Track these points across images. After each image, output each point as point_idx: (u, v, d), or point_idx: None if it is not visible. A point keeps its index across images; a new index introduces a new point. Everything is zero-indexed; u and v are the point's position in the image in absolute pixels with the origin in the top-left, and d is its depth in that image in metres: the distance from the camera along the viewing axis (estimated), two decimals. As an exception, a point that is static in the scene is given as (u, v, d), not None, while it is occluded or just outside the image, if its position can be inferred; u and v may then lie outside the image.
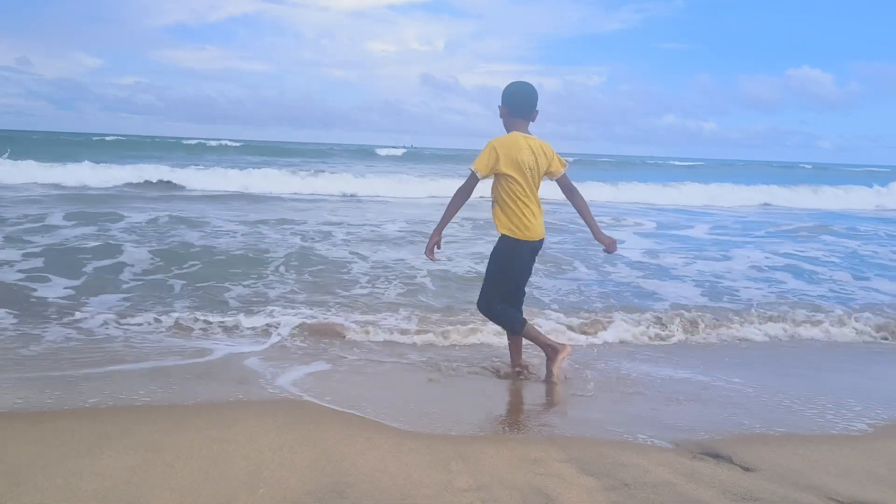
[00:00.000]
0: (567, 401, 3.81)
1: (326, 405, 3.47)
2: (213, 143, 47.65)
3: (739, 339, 5.45)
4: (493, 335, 4.99)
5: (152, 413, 3.25)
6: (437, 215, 4.03)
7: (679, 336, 5.40)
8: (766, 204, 21.62)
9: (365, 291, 6.38)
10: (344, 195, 17.88)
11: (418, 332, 5.10)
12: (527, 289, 4.22)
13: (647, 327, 5.50)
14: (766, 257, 9.41)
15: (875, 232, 13.68)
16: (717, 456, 2.98)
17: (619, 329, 5.40)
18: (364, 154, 49.54)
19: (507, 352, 4.33)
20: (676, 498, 2.54)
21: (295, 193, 17.58)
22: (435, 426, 3.24)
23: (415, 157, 47.37)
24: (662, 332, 5.45)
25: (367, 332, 5.05)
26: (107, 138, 48.34)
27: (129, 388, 3.66)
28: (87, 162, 19.18)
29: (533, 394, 3.92)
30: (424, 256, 4.06)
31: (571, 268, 7.96)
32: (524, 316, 4.12)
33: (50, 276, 6.40)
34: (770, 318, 5.88)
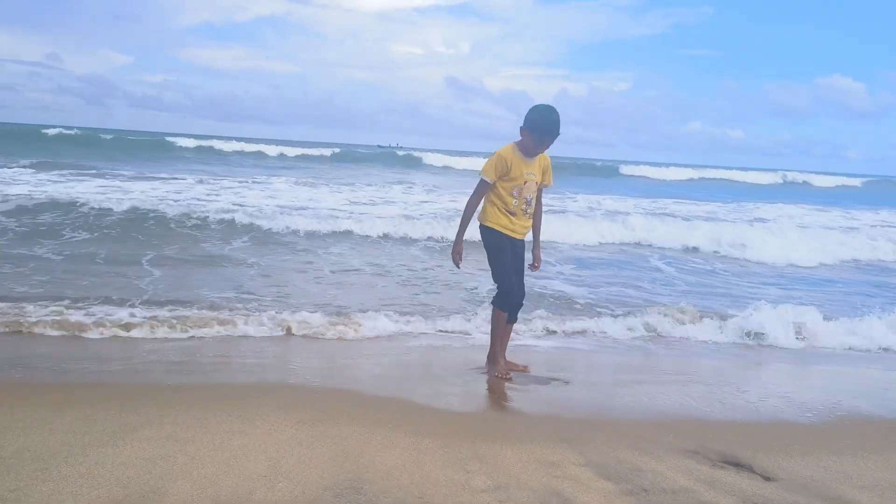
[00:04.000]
0: (585, 404, 3.79)
1: (344, 402, 3.49)
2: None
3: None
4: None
5: (175, 405, 3.29)
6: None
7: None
8: None
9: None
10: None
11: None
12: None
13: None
14: None
15: None
16: (737, 464, 2.94)
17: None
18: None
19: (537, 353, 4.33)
20: (695, 505, 2.51)
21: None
22: (452, 426, 3.24)
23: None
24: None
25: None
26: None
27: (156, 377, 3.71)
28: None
29: (550, 397, 3.91)
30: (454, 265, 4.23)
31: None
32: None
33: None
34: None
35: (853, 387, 4.48)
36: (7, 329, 4.66)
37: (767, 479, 2.81)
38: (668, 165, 52.13)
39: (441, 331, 5.38)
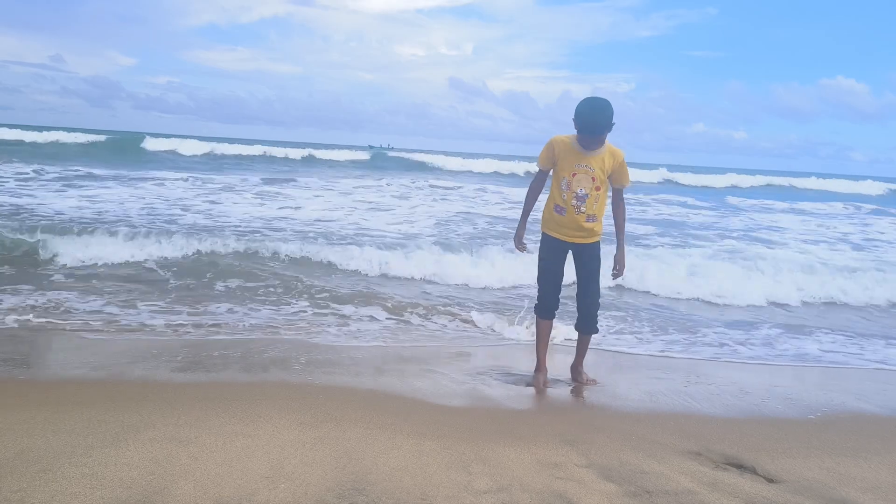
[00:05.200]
0: (587, 406, 3.79)
1: (347, 403, 3.49)
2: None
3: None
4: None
5: (178, 405, 3.30)
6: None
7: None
8: None
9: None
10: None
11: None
12: None
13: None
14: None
15: None
16: (740, 466, 2.94)
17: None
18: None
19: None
20: (698, 507, 2.51)
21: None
22: (455, 427, 3.24)
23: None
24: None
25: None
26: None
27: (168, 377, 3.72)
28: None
29: (554, 398, 3.91)
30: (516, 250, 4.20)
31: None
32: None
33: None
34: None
35: (856, 387, 4.47)
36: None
37: (770, 480, 2.80)
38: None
39: (449, 331, 5.38)
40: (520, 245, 4.17)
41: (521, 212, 4.20)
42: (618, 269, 4.13)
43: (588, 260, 4.03)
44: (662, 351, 5.22)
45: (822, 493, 2.69)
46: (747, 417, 3.69)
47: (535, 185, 4.10)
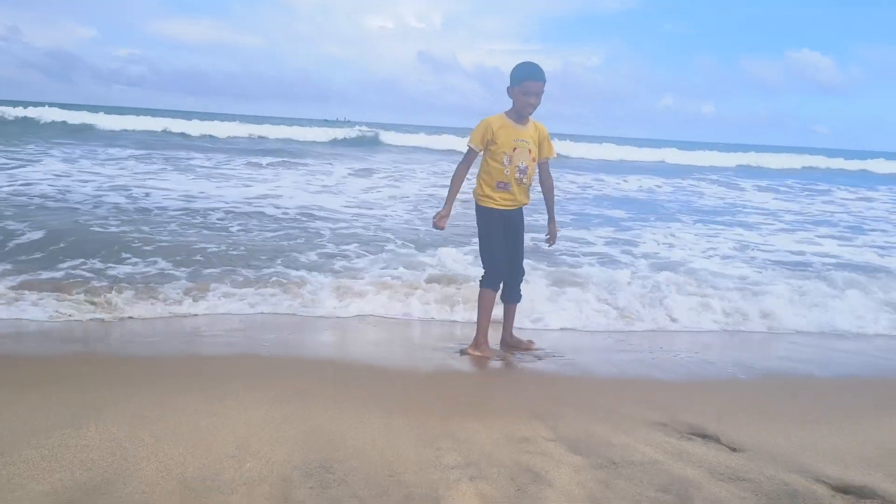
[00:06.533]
0: (556, 380, 3.81)
1: (315, 381, 3.46)
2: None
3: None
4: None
5: (141, 383, 3.24)
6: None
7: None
8: None
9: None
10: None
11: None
12: None
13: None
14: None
15: None
16: (704, 436, 2.98)
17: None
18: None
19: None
20: (663, 476, 2.54)
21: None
22: (424, 403, 3.23)
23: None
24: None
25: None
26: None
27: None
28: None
29: (522, 373, 3.93)
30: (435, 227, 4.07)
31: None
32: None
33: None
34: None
35: (820, 358, 4.56)
36: None
37: (734, 449, 2.85)
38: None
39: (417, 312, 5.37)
40: (440, 222, 4.06)
41: (448, 191, 4.09)
42: (551, 238, 4.40)
43: (519, 226, 4.22)
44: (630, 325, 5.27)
45: (785, 462, 2.73)
46: (712, 387, 3.74)
47: (465, 166, 4.09)
